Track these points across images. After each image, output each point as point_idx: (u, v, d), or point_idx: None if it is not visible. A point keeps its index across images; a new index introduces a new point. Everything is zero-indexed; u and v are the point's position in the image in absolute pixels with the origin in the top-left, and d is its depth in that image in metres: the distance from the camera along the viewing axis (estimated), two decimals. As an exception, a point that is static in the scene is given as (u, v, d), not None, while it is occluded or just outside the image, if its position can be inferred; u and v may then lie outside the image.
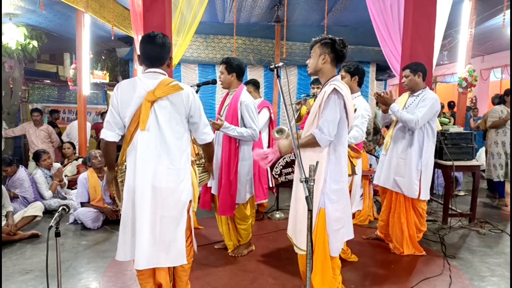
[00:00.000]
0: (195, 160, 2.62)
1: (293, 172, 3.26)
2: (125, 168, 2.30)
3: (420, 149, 3.38)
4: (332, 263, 2.47)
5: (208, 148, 2.50)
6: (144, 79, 2.20)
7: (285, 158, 3.23)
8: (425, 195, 3.44)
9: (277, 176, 3.22)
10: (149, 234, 2.16)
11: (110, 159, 2.32)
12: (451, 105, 9.66)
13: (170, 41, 2.31)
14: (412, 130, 3.35)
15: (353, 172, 3.42)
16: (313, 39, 2.50)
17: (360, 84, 3.49)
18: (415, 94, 3.49)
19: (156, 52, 2.23)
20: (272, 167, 3.24)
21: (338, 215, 2.42)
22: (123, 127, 2.23)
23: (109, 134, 2.21)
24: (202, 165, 2.69)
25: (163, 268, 2.27)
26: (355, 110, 3.28)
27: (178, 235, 2.23)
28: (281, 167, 3.22)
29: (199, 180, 2.60)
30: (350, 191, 3.19)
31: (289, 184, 3.44)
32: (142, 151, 2.16)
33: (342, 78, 3.39)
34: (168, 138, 2.17)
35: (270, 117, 4.49)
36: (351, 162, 3.25)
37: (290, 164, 3.23)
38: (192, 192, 2.36)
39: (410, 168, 3.37)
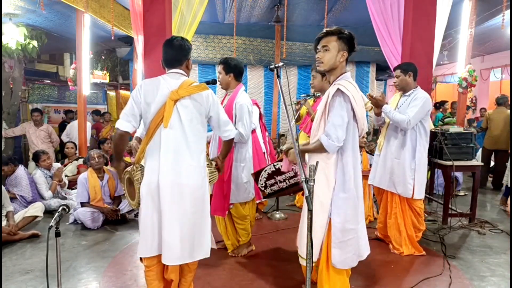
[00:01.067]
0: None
1: (276, 183, 3.20)
2: (141, 167, 2.33)
3: (413, 149, 3.41)
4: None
5: (230, 143, 2.61)
6: (167, 79, 2.30)
7: (266, 170, 3.16)
8: (419, 194, 3.45)
9: (263, 189, 3.17)
10: (180, 231, 2.21)
11: (120, 149, 2.35)
12: (436, 106, 9.40)
13: (189, 45, 2.40)
14: (405, 130, 3.36)
15: None
16: (327, 30, 2.25)
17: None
18: (407, 94, 3.54)
19: (173, 54, 2.34)
20: (257, 180, 3.19)
21: (346, 225, 2.26)
22: (139, 121, 2.29)
23: (124, 124, 2.25)
24: (211, 165, 2.69)
25: (176, 265, 2.31)
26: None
27: (207, 229, 2.35)
28: (265, 179, 3.15)
29: (209, 179, 2.61)
30: None
31: (276, 195, 3.30)
32: (167, 148, 2.22)
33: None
34: (189, 136, 2.25)
35: (260, 113, 4.56)
36: None
37: (272, 175, 3.16)
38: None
39: (404, 168, 3.39)
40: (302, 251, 2.35)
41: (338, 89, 2.19)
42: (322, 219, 2.29)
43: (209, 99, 2.32)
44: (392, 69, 5.05)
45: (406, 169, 3.38)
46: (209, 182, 2.63)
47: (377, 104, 3.43)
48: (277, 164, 3.04)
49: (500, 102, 6.59)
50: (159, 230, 2.23)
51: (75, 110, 8.85)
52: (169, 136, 2.22)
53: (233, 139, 2.57)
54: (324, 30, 2.27)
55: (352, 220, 2.29)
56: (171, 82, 2.27)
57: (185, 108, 2.24)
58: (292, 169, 2.83)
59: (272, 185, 3.13)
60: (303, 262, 2.41)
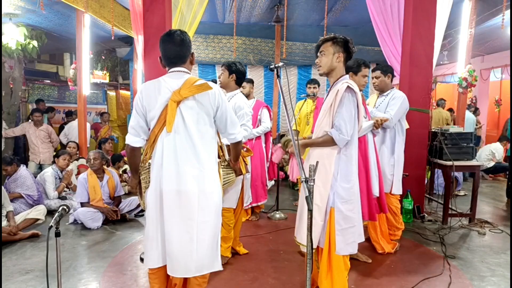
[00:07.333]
0: (220, 162, 2.48)
1: None
2: (148, 166, 2.23)
3: (392, 146, 3.56)
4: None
5: (237, 147, 2.41)
6: (168, 80, 2.11)
7: None
8: (397, 190, 3.57)
9: None
10: (185, 241, 2.06)
11: (135, 164, 2.25)
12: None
13: (189, 38, 2.20)
14: (387, 127, 3.49)
15: (246, 171, 3.20)
16: (323, 38, 2.46)
17: (237, 83, 3.32)
18: (385, 94, 3.69)
19: (176, 50, 2.13)
20: None
21: (348, 214, 2.39)
22: (148, 131, 2.15)
23: (134, 139, 2.14)
24: (227, 166, 2.57)
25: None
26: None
27: (216, 241, 2.17)
28: None
29: (224, 182, 2.47)
30: (242, 188, 3.21)
31: None
32: (170, 154, 2.06)
33: (221, 74, 3.33)
34: (196, 139, 2.07)
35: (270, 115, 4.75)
36: (244, 161, 3.10)
37: None
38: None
39: (383, 163, 3.50)
40: (302, 238, 2.46)
41: (348, 86, 2.33)
42: (321, 206, 2.38)
43: (215, 97, 2.09)
44: (394, 69, 5.07)
45: (385, 164, 3.52)
46: (224, 184, 2.49)
47: None
48: None
49: (438, 103, 7.35)
50: (162, 240, 2.11)
51: (74, 110, 8.87)
52: (173, 141, 2.05)
53: (240, 141, 2.35)
54: (321, 38, 2.47)
55: (354, 209, 2.43)
56: (171, 83, 2.07)
57: (190, 109, 2.05)
58: None
59: None
60: (303, 249, 2.48)
